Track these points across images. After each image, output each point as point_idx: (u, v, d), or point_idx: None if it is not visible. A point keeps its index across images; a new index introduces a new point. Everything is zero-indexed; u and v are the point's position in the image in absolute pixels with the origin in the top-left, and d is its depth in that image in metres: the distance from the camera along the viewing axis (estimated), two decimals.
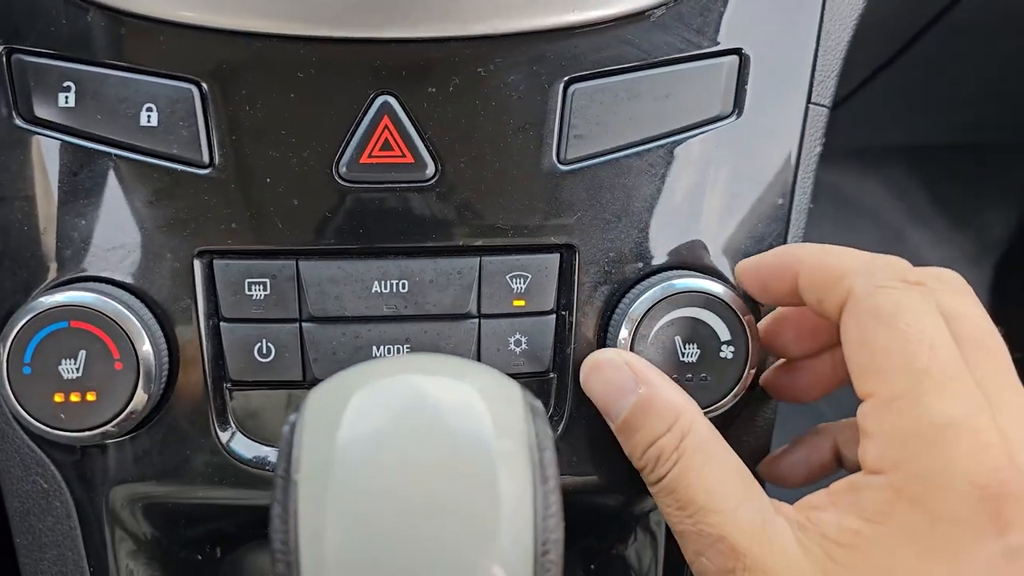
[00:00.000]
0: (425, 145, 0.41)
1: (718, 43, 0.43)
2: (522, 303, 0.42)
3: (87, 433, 0.40)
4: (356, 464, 0.27)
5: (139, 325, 0.40)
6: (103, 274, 0.41)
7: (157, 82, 0.40)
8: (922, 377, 0.34)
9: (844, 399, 0.40)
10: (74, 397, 0.39)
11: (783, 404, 0.47)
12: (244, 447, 0.43)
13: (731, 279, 0.43)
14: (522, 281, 0.42)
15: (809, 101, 0.45)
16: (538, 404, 0.30)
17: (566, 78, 0.41)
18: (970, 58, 0.69)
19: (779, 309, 0.45)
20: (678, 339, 0.41)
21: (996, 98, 0.79)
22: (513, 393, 0.30)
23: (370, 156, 0.40)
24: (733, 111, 0.43)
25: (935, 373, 0.34)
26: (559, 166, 0.41)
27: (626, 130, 0.42)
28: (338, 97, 0.40)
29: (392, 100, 0.40)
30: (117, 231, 0.41)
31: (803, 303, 0.40)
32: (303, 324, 0.41)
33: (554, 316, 0.43)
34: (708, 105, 0.43)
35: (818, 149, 0.45)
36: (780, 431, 0.48)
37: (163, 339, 0.41)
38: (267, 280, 0.41)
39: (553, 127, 0.41)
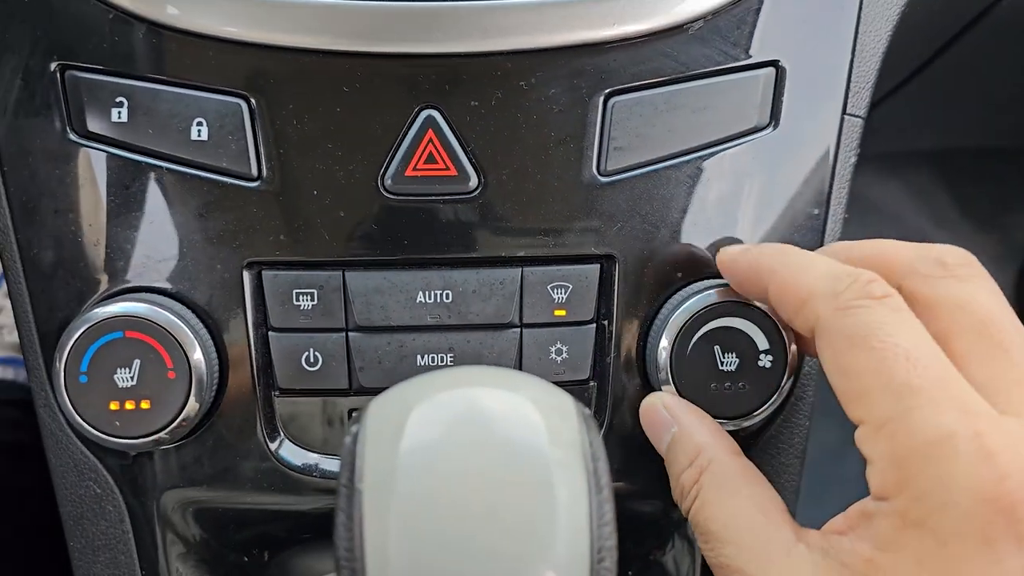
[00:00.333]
0: (468, 158, 0.41)
1: (755, 55, 0.43)
2: (563, 313, 0.43)
3: (141, 440, 0.41)
4: (418, 474, 0.28)
5: (191, 335, 0.41)
6: (155, 285, 0.42)
7: (207, 97, 0.41)
8: (905, 393, 0.32)
9: None
10: (129, 405, 0.40)
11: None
12: (292, 454, 0.44)
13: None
14: (563, 291, 0.43)
15: (844, 112, 0.45)
16: (590, 415, 0.31)
17: (606, 91, 0.42)
18: (1004, 62, 0.69)
19: None
20: (717, 348, 0.42)
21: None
22: (566, 404, 0.31)
23: (415, 169, 0.41)
24: (770, 123, 0.44)
25: (919, 385, 0.32)
26: (599, 178, 0.42)
27: (665, 142, 0.43)
28: (383, 111, 0.41)
29: (436, 114, 0.41)
30: (168, 243, 0.42)
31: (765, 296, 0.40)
32: (349, 333, 0.42)
33: (594, 326, 0.43)
34: (745, 117, 0.43)
35: (853, 159, 0.46)
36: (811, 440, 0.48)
37: (213, 348, 0.42)
38: (314, 290, 0.42)
39: (593, 139, 0.42)
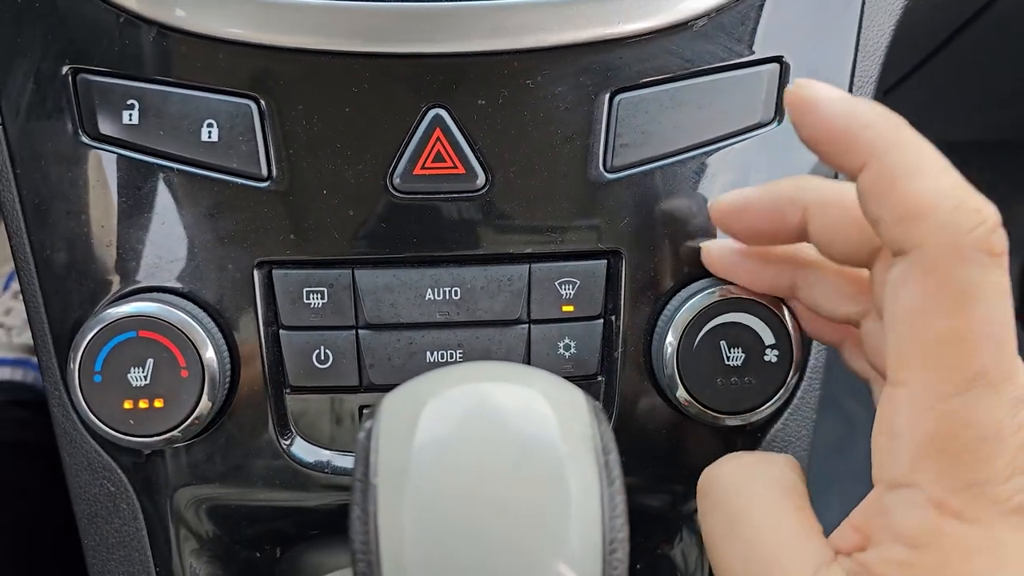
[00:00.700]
0: (476, 156, 0.42)
1: (758, 51, 0.44)
2: (571, 308, 0.43)
3: (154, 439, 0.41)
4: (431, 467, 0.28)
5: (203, 334, 0.41)
6: (167, 285, 0.42)
7: (217, 99, 0.41)
8: (979, 379, 0.29)
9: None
10: (142, 404, 0.41)
11: None
12: (303, 451, 0.44)
13: None
14: (571, 287, 0.43)
15: None
16: (600, 408, 0.32)
17: (612, 88, 0.42)
18: (1006, 56, 0.69)
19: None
20: (723, 344, 0.42)
21: None
22: (577, 398, 0.31)
23: (423, 167, 0.42)
24: (774, 118, 0.44)
25: (993, 374, 0.29)
26: (605, 174, 0.43)
27: (670, 138, 0.43)
28: (391, 111, 0.41)
29: (444, 113, 0.41)
30: (179, 243, 0.42)
31: (795, 241, 0.36)
32: (359, 331, 0.43)
33: (602, 321, 0.44)
34: (750, 112, 0.44)
35: None
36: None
37: (225, 347, 0.42)
38: (324, 289, 0.42)
39: (599, 136, 0.42)
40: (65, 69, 0.42)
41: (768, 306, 0.42)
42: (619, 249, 0.43)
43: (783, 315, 0.42)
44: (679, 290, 0.43)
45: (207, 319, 0.42)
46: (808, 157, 0.45)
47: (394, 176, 0.42)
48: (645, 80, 0.42)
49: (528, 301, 0.43)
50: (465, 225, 0.42)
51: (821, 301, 0.39)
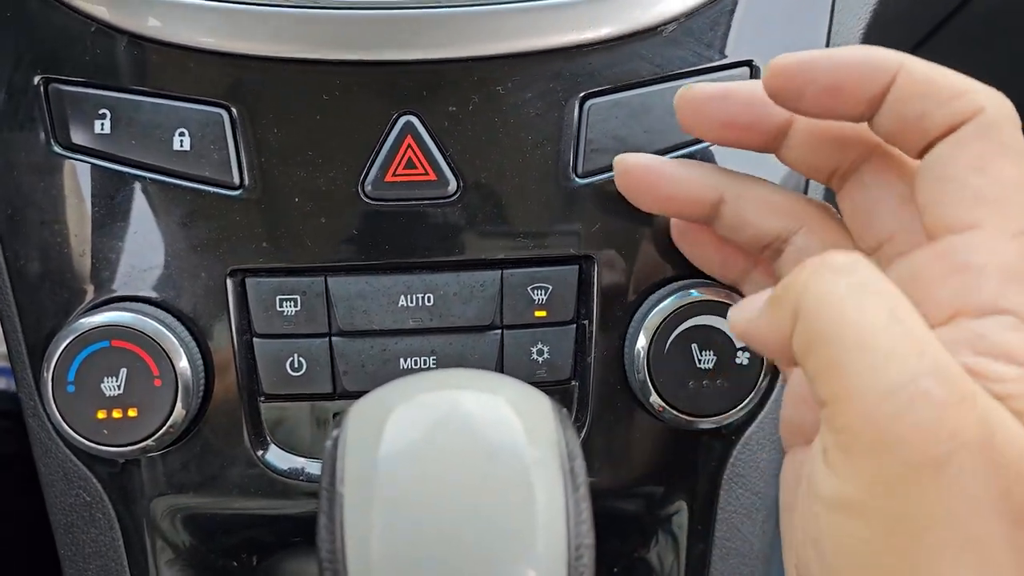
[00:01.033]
0: (447, 162, 0.42)
1: (729, 56, 0.44)
2: (543, 314, 0.43)
3: (129, 448, 0.41)
4: (398, 475, 0.28)
5: (176, 343, 0.41)
6: (140, 293, 0.42)
7: (189, 107, 0.41)
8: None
9: None
10: (116, 413, 0.41)
11: None
12: (278, 458, 0.44)
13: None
14: (543, 292, 0.43)
15: None
16: (566, 414, 0.32)
17: (582, 94, 0.42)
18: (979, 58, 0.70)
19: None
20: (695, 347, 0.43)
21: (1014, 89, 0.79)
22: (543, 405, 0.31)
23: (394, 174, 0.42)
24: None
25: None
26: (576, 180, 0.43)
27: (641, 143, 0.43)
28: (362, 118, 0.41)
29: (415, 120, 0.42)
30: (152, 252, 0.42)
31: (844, 117, 0.35)
32: (333, 338, 0.43)
33: (574, 326, 0.44)
34: None
35: None
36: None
37: (199, 355, 0.42)
38: (297, 296, 0.42)
39: (570, 142, 0.43)
40: (37, 79, 0.42)
41: None
42: (591, 254, 0.43)
43: None
44: (650, 294, 0.44)
45: (180, 328, 0.42)
46: (779, 163, 0.45)
47: (366, 183, 0.42)
48: (616, 85, 0.43)
49: (501, 307, 0.43)
50: (437, 231, 0.42)
51: (751, 215, 0.39)
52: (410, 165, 0.42)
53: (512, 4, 0.41)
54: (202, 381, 0.42)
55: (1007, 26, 0.68)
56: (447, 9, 0.41)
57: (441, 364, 0.43)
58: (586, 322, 0.44)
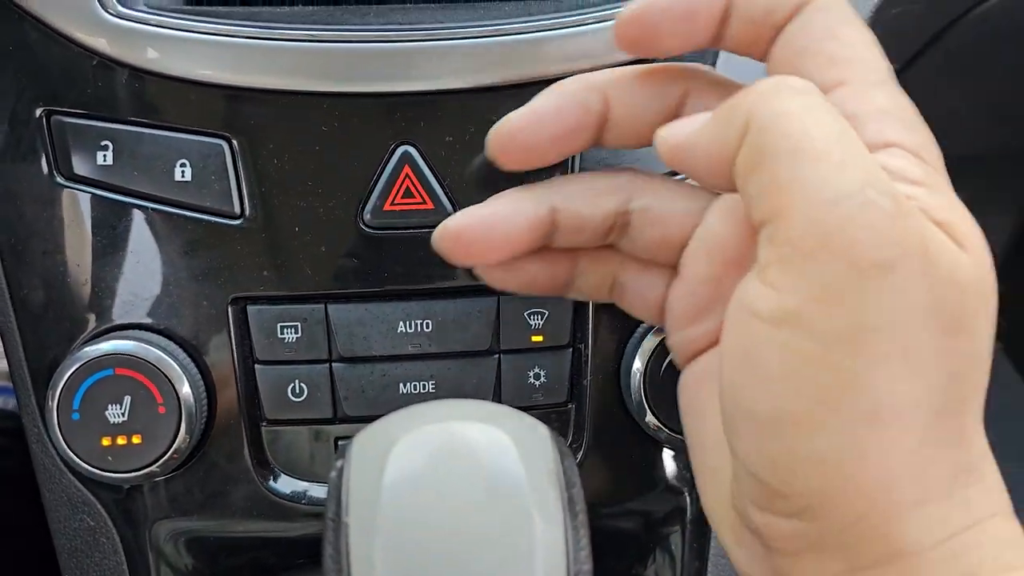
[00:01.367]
0: (444, 191, 0.43)
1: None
2: (540, 338, 0.44)
3: (133, 474, 0.42)
4: (401, 506, 0.29)
5: (179, 370, 0.42)
6: (143, 322, 0.43)
7: (190, 139, 0.42)
8: (890, 75, 0.33)
9: None
10: (121, 440, 0.41)
11: None
12: (280, 482, 0.45)
13: None
14: (539, 318, 0.44)
15: None
16: (564, 445, 0.33)
17: None
18: (969, 75, 0.71)
19: None
20: None
21: (999, 109, 0.80)
22: (542, 435, 0.32)
23: (393, 203, 0.43)
24: None
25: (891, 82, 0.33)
26: None
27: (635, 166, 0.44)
28: (361, 148, 0.42)
29: (412, 150, 0.42)
30: (154, 281, 0.43)
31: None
32: (333, 364, 0.44)
33: (571, 350, 0.45)
34: None
35: None
36: None
37: (202, 382, 0.43)
38: (298, 324, 0.43)
39: (565, 167, 0.43)
40: (39, 111, 0.42)
41: None
42: None
43: None
44: None
45: (183, 355, 0.43)
46: None
47: (365, 212, 0.43)
48: None
49: (498, 332, 0.44)
50: (436, 259, 0.43)
51: (583, 209, 0.37)
52: (408, 194, 0.43)
53: (507, 36, 0.42)
54: (205, 407, 0.43)
55: (997, 46, 0.69)
56: (443, 42, 0.41)
57: (440, 389, 0.44)
58: (582, 346, 0.45)
